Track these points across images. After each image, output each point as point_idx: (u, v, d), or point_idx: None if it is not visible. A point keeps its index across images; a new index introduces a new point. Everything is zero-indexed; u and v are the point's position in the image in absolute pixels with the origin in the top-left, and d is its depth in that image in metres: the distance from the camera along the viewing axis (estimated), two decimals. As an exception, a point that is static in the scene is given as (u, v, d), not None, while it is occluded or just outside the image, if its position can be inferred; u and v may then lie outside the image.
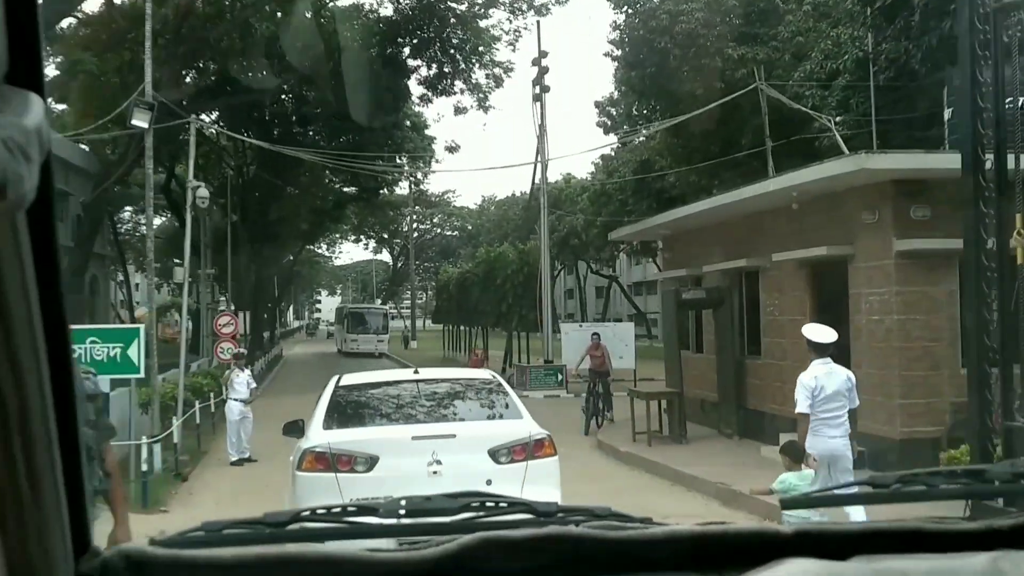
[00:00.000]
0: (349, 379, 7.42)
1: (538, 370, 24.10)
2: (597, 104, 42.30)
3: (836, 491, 1.41)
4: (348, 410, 6.90)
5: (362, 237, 73.85)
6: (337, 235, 69.54)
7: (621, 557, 1.10)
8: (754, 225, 13.43)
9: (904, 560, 1.06)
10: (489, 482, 5.81)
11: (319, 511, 1.24)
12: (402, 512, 1.23)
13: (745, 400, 13.73)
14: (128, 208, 58.83)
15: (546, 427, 6.88)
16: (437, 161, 43.09)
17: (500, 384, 7.33)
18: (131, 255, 66.96)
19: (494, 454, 6.25)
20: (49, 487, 0.90)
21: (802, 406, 6.72)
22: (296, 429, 7.13)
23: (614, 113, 41.62)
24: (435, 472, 5.98)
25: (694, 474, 11.36)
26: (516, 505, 1.28)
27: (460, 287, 34.62)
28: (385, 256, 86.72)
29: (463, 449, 6.23)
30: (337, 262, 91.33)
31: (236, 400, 14.11)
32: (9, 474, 0.84)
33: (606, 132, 42.48)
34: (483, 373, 8.29)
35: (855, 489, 1.40)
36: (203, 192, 16.15)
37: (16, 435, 0.83)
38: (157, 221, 57.41)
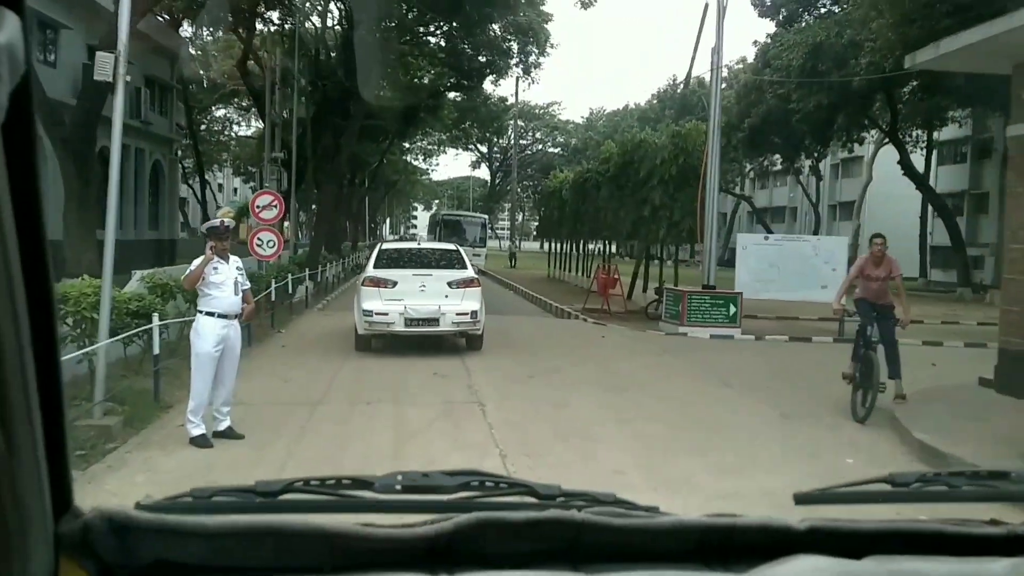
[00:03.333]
0: (387, 246, 13.70)
1: (701, 299, 16.12)
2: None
3: (854, 487, 1.17)
4: (385, 260, 12.55)
5: (459, 148, 66.49)
6: (434, 144, 62.34)
7: (623, 546, 1.03)
8: None
9: (921, 562, 1.00)
10: (447, 296, 11.69)
11: (313, 482, 1.13)
12: (398, 487, 1.12)
13: None
14: (223, 109, 52.93)
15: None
16: (552, 46, 34.70)
17: (459, 251, 13.17)
18: (228, 158, 61.58)
19: (449, 284, 11.86)
20: (26, 439, 0.78)
21: None
22: (362, 268, 13.75)
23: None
24: (422, 289, 11.72)
25: None
26: (516, 486, 1.17)
27: (577, 192, 26.56)
28: (483, 172, 79.38)
29: (435, 281, 11.86)
30: (435, 176, 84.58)
31: (209, 315, 6.78)
32: None
33: (763, 15, 33.21)
34: (450, 246, 13.95)
35: (874, 486, 1.19)
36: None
37: None
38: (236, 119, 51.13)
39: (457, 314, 11.56)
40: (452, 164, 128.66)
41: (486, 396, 8.95)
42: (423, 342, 12.22)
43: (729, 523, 1.05)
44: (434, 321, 11.51)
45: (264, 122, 24.09)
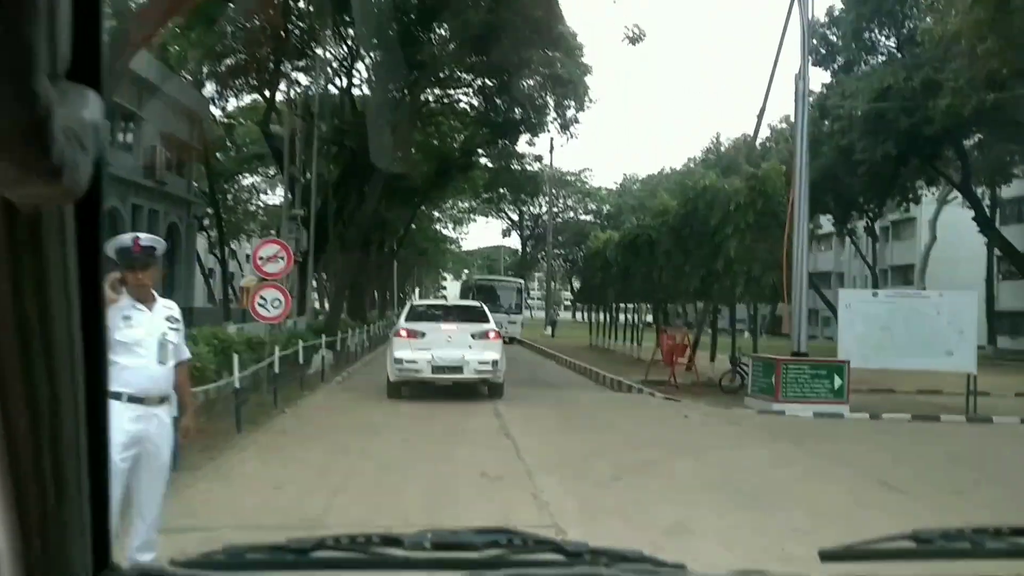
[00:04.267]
0: (417, 302, 16.67)
1: (799, 369, 13.06)
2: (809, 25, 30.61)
3: (878, 545, 1.14)
4: (415, 315, 13.97)
5: (489, 215, 64.42)
6: (464, 212, 60.34)
7: None
8: None
9: None
10: (470, 346, 12.70)
11: (343, 539, 1.10)
12: (428, 545, 1.10)
13: None
14: (251, 178, 51.21)
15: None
16: (591, 101, 32.45)
17: (482, 307, 14.63)
18: (256, 227, 59.65)
19: (473, 336, 12.89)
20: (74, 499, 0.84)
21: None
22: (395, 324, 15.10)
23: (834, 38, 30.00)
24: (448, 341, 12.73)
25: None
26: (544, 543, 1.13)
27: (626, 251, 23.82)
28: (513, 241, 77.09)
29: (460, 333, 12.91)
30: (464, 245, 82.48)
31: (115, 397, 3.93)
32: (36, 483, 0.79)
33: (816, 63, 30.77)
34: (473, 303, 16.36)
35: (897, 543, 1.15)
36: None
37: (46, 444, 0.78)
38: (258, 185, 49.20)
39: (479, 362, 12.69)
40: (482, 232, 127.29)
41: (564, 515, 5.97)
42: (458, 424, 10.75)
43: None
44: (458, 368, 12.64)
45: (283, 172, 21.76)
